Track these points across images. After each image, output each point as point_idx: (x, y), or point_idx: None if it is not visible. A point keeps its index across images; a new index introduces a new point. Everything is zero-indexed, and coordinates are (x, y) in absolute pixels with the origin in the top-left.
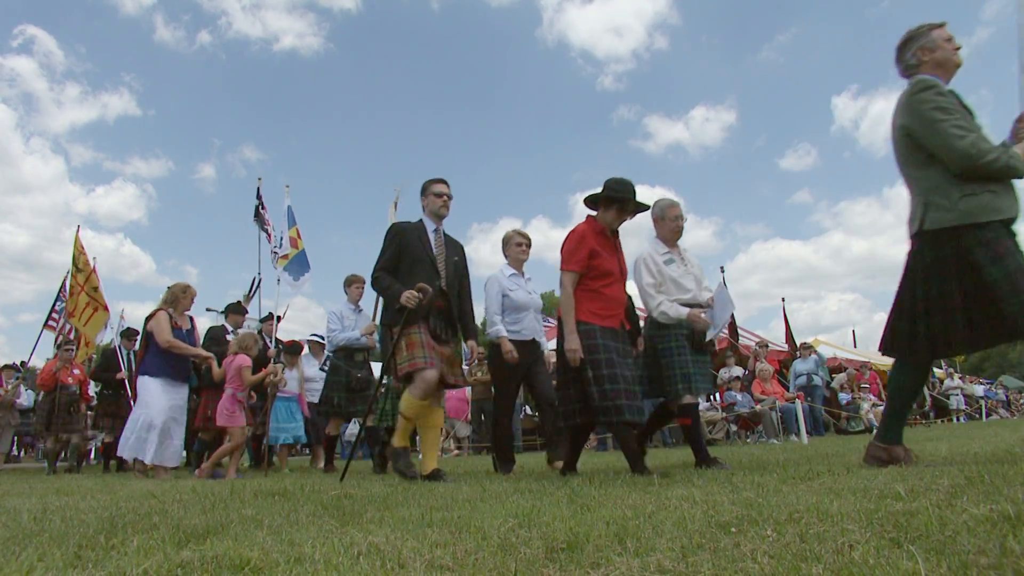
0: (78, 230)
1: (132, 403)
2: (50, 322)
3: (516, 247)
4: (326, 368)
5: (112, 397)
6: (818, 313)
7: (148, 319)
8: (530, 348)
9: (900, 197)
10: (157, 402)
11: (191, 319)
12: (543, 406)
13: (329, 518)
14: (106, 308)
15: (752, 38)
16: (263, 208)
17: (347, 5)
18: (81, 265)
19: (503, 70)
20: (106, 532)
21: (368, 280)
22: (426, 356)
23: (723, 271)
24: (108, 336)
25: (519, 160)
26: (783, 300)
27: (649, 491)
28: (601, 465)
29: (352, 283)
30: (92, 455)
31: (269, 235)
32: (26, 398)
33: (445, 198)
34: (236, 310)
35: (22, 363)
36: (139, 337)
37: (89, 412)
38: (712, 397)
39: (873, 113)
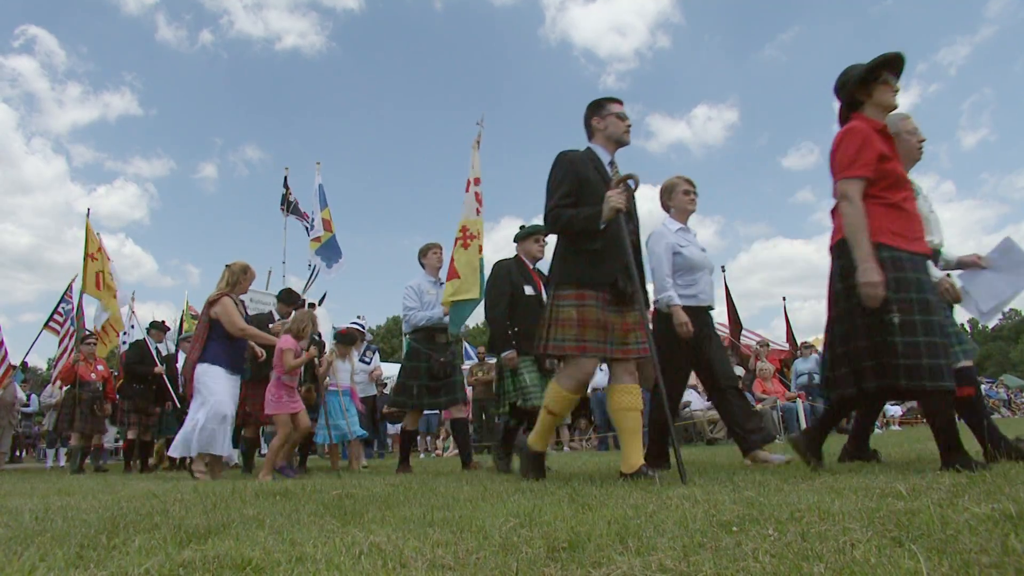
0: (88, 214)
1: (164, 399)
2: (51, 323)
3: (684, 195)
4: (367, 360)
5: (142, 392)
6: (820, 312)
7: (211, 304)
8: (705, 316)
9: None
10: (225, 391)
11: (242, 303)
12: (721, 388)
13: (331, 518)
14: (115, 296)
15: (755, 37)
16: (292, 196)
17: (350, 5)
18: (94, 252)
19: (506, 69)
20: (108, 532)
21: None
22: (599, 340)
23: (724, 270)
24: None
25: (521, 159)
26: (784, 299)
27: (650, 490)
28: (602, 465)
29: (428, 251)
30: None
31: (307, 219)
32: (21, 399)
33: (629, 123)
34: (289, 298)
35: (23, 364)
36: (203, 325)
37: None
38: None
39: None
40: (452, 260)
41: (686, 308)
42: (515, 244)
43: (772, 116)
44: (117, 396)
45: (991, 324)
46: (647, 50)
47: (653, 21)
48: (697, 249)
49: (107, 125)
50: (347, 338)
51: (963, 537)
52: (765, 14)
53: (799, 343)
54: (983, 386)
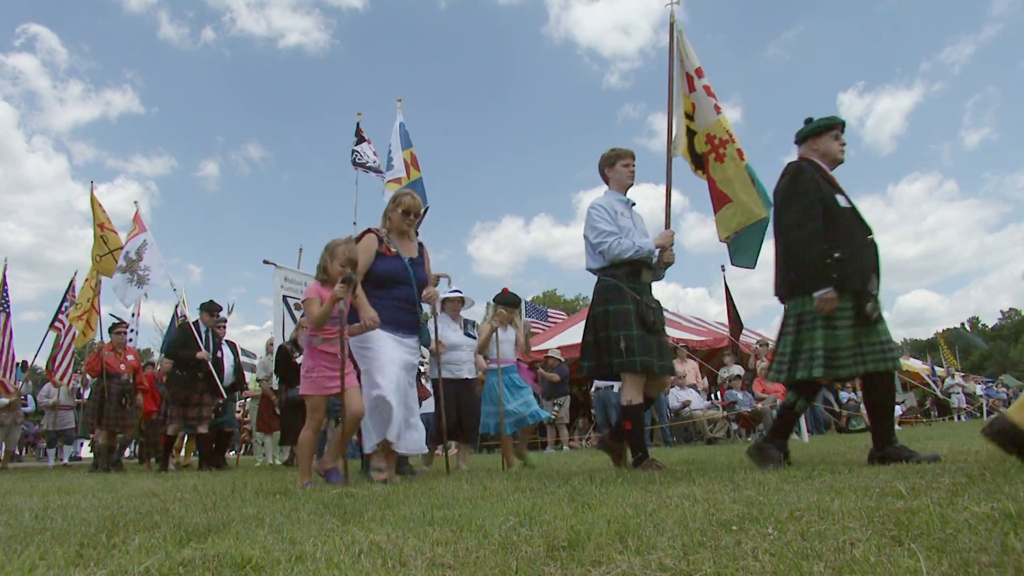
0: (92, 188)
1: (210, 387)
2: (56, 323)
3: None
4: (473, 332)
5: (186, 380)
6: None
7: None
8: None
9: (905, 195)
10: (388, 357)
11: (420, 247)
12: None
13: (330, 516)
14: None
15: (758, 35)
16: (366, 140)
17: (353, 3)
18: (104, 222)
19: (509, 68)
20: (108, 531)
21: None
22: None
23: (724, 270)
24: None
25: (523, 158)
26: None
27: (650, 489)
28: (602, 463)
29: (617, 160)
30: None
31: (371, 168)
32: (29, 386)
33: None
34: None
35: (23, 362)
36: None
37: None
38: (713, 395)
39: (879, 110)
40: (712, 184)
41: None
42: (798, 147)
43: (775, 114)
44: (145, 386)
45: (991, 323)
46: (651, 49)
47: (657, 20)
48: None
49: (108, 123)
50: (511, 299)
51: (962, 536)
52: (769, 12)
53: None
54: (981, 386)
